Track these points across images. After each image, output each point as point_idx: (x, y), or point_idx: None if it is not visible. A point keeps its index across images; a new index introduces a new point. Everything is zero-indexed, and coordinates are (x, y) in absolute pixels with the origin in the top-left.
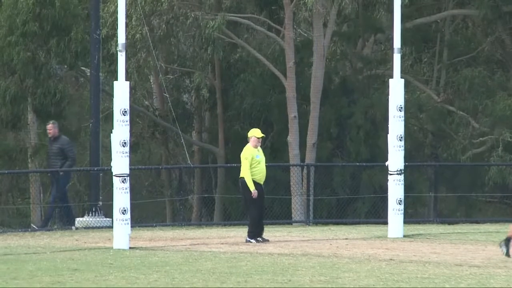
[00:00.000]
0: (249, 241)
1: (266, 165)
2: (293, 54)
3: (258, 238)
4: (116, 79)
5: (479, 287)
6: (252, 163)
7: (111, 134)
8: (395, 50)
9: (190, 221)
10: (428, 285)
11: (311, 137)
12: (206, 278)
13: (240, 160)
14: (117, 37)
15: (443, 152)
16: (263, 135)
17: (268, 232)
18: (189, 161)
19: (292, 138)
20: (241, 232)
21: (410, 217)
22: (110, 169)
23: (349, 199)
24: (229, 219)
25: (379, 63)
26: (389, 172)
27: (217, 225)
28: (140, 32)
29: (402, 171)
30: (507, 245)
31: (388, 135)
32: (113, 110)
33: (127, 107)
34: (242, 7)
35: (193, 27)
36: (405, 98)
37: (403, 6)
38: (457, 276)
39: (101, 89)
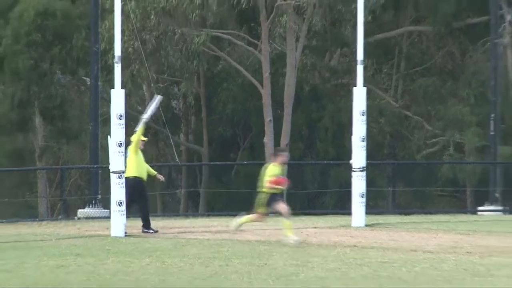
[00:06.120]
0: (147, 231)
1: (246, 163)
2: (269, 65)
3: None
4: (113, 88)
5: (432, 270)
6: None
7: (108, 136)
8: (358, 62)
9: (178, 212)
10: (387, 269)
11: (285, 139)
12: (192, 262)
13: (221, 159)
14: (114, 51)
15: (400, 152)
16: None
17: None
18: (177, 160)
19: (268, 139)
20: (223, 222)
21: (371, 209)
22: (108, 167)
23: (318, 193)
24: (212, 210)
25: (344, 73)
26: (353, 169)
27: (201, 216)
28: (132, 46)
29: (365, 168)
30: None
31: (352, 136)
32: (110, 115)
33: (123, 112)
34: (224, 23)
35: (180, 41)
36: (367, 104)
37: (366, 23)
38: (412, 260)
39: (100, 96)
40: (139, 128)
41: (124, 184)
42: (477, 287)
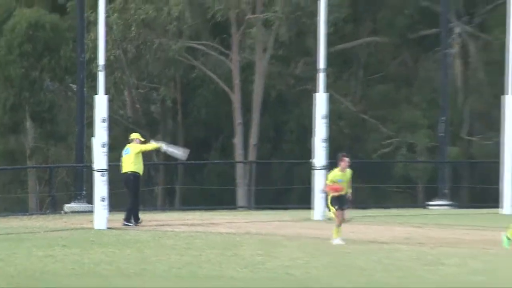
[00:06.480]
0: (127, 224)
1: (217, 162)
2: (239, 73)
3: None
4: (97, 93)
5: (387, 259)
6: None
7: (93, 138)
8: (320, 70)
9: (156, 206)
10: (347, 258)
11: (253, 140)
12: (169, 252)
13: (195, 158)
14: (98, 60)
15: (358, 152)
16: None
17: (219, 216)
18: (155, 159)
19: (238, 141)
20: (197, 216)
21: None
22: (92, 165)
23: (284, 189)
24: (187, 205)
25: (308, 80)
26: (314, 167)
27: (177, 210)
28: (114, 54)
29: (326, 166)
30: None
31: (314, 138)
32: (95, 118)
33: (106, 116)
34: (198, 34)
35: (158, 50)
36: (328, 108)
37: (328, 35)
38: (369, 250)
39: (85, 101)
40: (153, 145)
41: (106, 181)
42: (428, 275)
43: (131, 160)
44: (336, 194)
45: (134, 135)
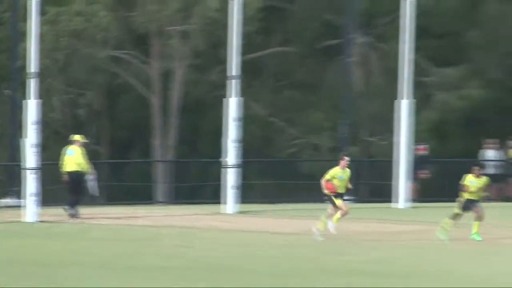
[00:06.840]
0: (70, 210)
1: (138, 161)
2: (159, 80)
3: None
4: (29, 98)
5: (294, 249)
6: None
7: (24, 139)
8: (232, 77)
9: (82, 201)
10: (255, 248)
11: (172, 141)
12: (97, 244)
13: (119, 158)
14: (29, 67)
15: (268, 151)
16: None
17: (141, 210)
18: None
19: (157, 142)
20: (121, 210)
21: (244, 199)
22: (23, 164)
23: (199, 185)
24: (113, 200)
25: (222, 86)
26: (227, 166)
27: (102, 205)
28: (44, 63)
29: (237, 165)
30: None
31: (227, 139)
32: (25, 121)
33: (37, 119)
34: (122, 44)
35: (86, 59)
36: (241, 112)
37: (242, 45)
38: (277, 241)
39: (19, 106)
40: (87, 168)
41: (36, 178)
42: (331, 264)
43: (75, 160)
44: (332, 193)
45: (76, 137)
